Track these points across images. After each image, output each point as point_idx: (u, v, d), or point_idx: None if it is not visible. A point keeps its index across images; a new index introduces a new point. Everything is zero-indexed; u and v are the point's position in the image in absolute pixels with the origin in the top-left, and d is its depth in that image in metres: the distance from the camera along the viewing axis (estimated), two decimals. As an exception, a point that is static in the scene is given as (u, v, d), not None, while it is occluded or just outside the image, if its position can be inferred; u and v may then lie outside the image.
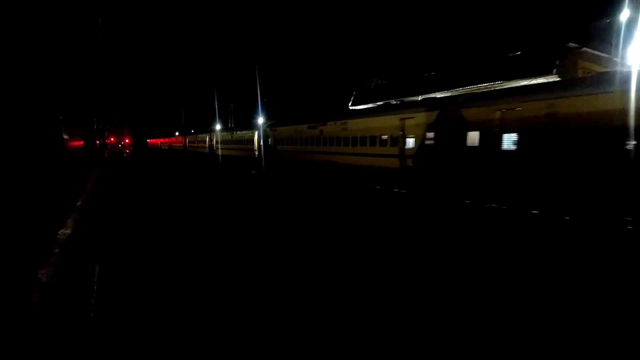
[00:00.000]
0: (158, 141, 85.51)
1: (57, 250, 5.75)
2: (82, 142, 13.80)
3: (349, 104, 27.86)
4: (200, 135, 48.95)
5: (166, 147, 73.87)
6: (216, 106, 42.92)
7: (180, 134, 67.79)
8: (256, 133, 28.92)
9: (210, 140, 42.12)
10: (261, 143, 27.62)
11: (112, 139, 70.54)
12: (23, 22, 5.25)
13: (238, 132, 33.75)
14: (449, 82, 19.15)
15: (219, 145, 39.04)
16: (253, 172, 23.03)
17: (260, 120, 29.81)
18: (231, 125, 50.11)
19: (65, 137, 8.38)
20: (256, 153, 28.60)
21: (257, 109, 31.66)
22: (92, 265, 5.84)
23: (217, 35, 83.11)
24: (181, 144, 60.77)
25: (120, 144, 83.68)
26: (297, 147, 22.82)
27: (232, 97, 53.64)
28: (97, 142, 29.73)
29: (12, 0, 4.84)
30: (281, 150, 24.86)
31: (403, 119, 14.64)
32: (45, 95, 6.46)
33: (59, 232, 6.68)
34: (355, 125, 17.58)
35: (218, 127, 42.18)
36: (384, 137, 15.64)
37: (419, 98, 19.03)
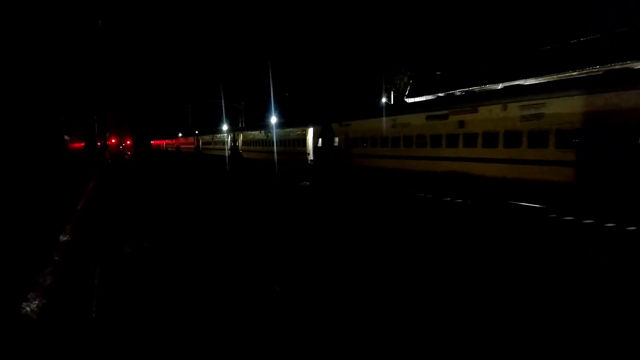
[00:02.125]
0: (163, 142, 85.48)
1: (58, 253, 6.06)
2: (83, 144, 14.30)
3: (405, 96, 24.44)
4: (218, 136, 45.08)
5: (173, 149, 73.71)
6: (223, 104, 42.74)
7: (184, 135, 67.61)
8: (310, 130, 23.87)
9: (234, 140, 38.80)
10: (319, 144, 22.96)
11: (113, 140, 71.37)
12: (24, 22, 5.58)
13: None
14: (549, 67, 16.10)
15: (246, 147, 35.49)
16: (306, 183, 18.66)
17: (280, 116, 27.80)
18: (242, 124, 49.39)
19: (66, 138, 8.75)
20: (309, 157, 24.11)
21: (270, 107, 30.39)
22: (92, 267, 6.12)
23: (224, 31, 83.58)
24: (192, 146, 57.67)
25: (122, 145, 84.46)
26: (394, 149, 16.93)
27: (241, 95, 53.62)
28: (99, 143, 30.48)
29: (14, 1, 5.16)
30: (360, 153, 19.61)
31: None
32: (45, 95, 6.81)
33: (60, 234, 7.01)
34: (580, 106, 10.33)
35: (225, 126, 41.97)
36: None
37: (499, 86, 16.30)
